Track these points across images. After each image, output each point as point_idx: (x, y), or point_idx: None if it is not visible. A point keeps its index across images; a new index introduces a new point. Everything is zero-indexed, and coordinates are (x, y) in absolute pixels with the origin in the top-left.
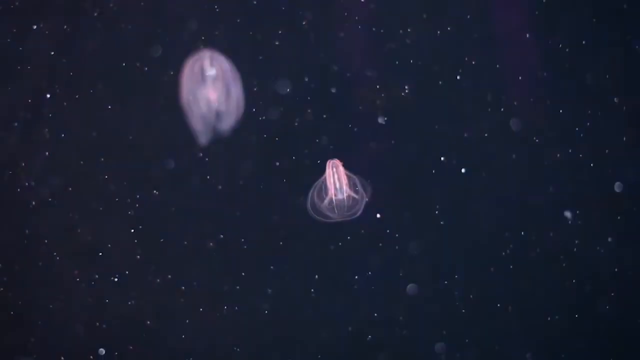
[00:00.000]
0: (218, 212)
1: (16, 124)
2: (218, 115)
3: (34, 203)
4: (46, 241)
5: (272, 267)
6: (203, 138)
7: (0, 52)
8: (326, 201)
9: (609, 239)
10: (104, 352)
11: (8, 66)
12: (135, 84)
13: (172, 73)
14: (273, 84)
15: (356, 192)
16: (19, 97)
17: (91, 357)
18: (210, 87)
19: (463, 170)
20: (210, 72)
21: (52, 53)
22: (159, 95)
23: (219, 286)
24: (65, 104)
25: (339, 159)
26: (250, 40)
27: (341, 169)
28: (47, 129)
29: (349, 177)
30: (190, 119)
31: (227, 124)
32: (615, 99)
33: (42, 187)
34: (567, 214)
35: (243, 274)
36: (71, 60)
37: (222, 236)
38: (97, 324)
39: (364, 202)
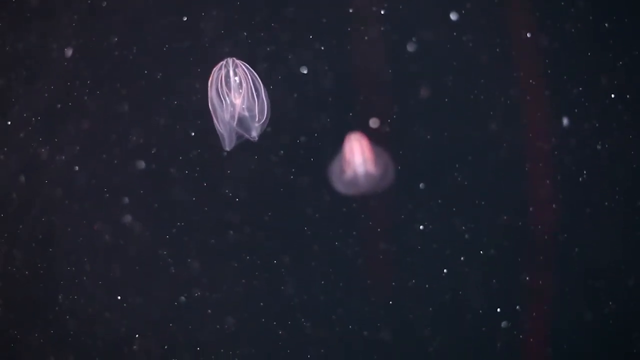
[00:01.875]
0: (239, 215)
1: (41, 124)
2: (243, 120)
3: (55, 201)
4: (66, 238)
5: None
6: (228, 143)
7: (25, 53)
8: (349, 175)
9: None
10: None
11: (33, 67)
12: (161, 90)
13: (197, 80)
14: (293, 88)
15: (379, 165)
16: (52, 98)
17: (111, 352)
18: (235, 94)
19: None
20: (235, 78)
21: (75, 57)
22: (185, 101)
23: (238, 284)
24: (89, 107)
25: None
26: (272, 47)
27: (365, 142)
28: (69, 130)
29: (371, 151)
30: (216, 125)
31: (253, 129)
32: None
33: (64, 186)
34: (565, 121)
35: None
36: (96, 65)
37: (245, 238)
38: (116, 320)
39: (387, 176)
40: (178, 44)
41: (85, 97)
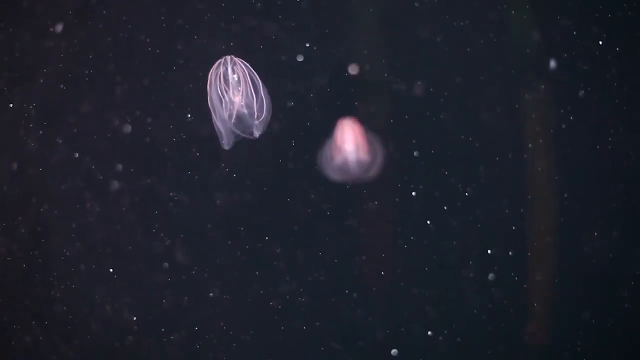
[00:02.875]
0: (235, 213)
1: (40, 124)
2: (242, 118)
3: (52, 200)
4: (62, 239)
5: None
6: (226, 141)
7: (22, 54)
8: (339, 161)
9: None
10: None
11: (29, 67)
12: (159, 88)
13: (196, 77)
14: (292, 86)
15: (371, 152)
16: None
17: (106, 352)
18: (234, 91)
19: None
20: (234, 75)
21: (72, 55)
22: (183, 99)
23: (234, 281)
24: (86, 105)
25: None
26: (270, 45)
27: (357, 128)
28: (65, 129)
29: (364, 137)
30: (215, 123)
31: (253, 126)
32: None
33: (60, 186)
34: (552, 64)
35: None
36: (92, 61)
37: (240, 235)
38: (113, 320)
39: (377, 163)
40: (174, 42)
41: (80, 94)
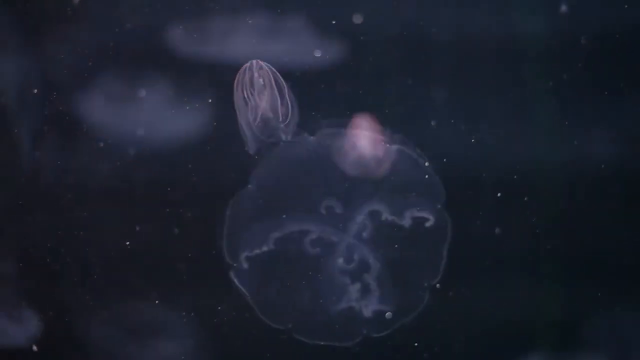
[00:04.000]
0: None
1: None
2: (269, 122)
3: (64, 204)
4: (76, 242)
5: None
6: (252, 146)
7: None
8: (352, 156)
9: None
10: None
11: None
12: (186, 92)
13: (223, 82)
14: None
15: (384, 149)
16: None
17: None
18: (261, 96)
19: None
20: (259, 80)
21: (91, 59)
22: (210, 103)
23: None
24: (106, 107)
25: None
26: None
27: (373, 124)
28: (84, 132)
29: (378, 134)
30: (241, 127)
31: (280, 130)
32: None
33: (73, 189)
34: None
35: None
36: (114, 65)
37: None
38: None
39: (391, 159)
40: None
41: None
